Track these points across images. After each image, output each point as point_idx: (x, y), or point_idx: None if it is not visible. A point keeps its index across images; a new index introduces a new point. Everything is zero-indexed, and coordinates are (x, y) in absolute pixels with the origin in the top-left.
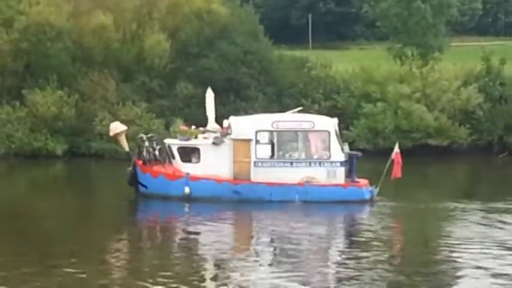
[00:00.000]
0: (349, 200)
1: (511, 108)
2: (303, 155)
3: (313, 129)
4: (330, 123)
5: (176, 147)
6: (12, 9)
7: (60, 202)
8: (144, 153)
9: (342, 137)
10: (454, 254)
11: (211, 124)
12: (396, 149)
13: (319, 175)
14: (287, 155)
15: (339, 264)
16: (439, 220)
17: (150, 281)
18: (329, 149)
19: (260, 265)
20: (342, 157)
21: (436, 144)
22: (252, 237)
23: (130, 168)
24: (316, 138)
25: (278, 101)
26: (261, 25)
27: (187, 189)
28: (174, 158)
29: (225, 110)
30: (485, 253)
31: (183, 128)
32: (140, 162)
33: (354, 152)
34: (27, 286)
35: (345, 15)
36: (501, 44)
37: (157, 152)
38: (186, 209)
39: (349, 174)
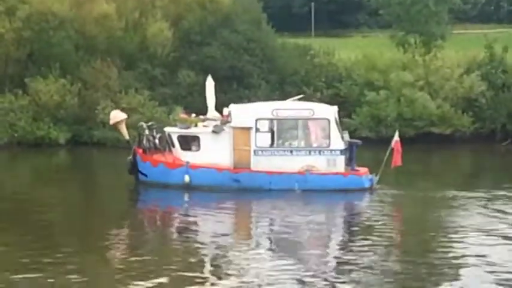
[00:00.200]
0: (349, 189)
1: None
2: (302, 143)
3: (313, 117)
4: (330, 111)
5: (176, 135)
6: None
7: (62, 191)
8: (144, 141)
9: (343, 125)
10: (454, 243)
11: (212, 112)
12: (396, 137)
13: (319, 163)
14: (287, 143)
15: (338, 252)
16: (439, 208)
17: (151, 268)
18: (329, 137)
19: (260, 253)
20: (341, 145)
21: (439, 132)
22: (251, 225)
23: (130, 156)
24: (316, 126)
25: (280, 88)
26: (264, 13)
27: (187, 178)
28: (174, 146)
29: (227, 98)
30: (486, 242)
31: (183, 116)
32: (140, 150)
33: (353, 140)
34: (30, 274)
35: (348, 3)
36: (504, 32)
37: (157, 141)
38: (186, 198)
39: (349, 162)
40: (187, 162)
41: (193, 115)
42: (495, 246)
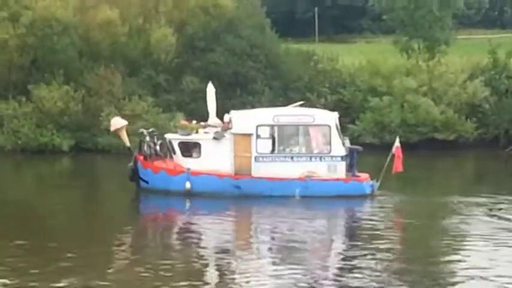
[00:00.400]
0: (349, 195)
1: None
2: (303, 150)
3: (314, 123)
4: (331, 117)
5: (177, 142)
6: (19, 4)
7: (65, 198)
8: (145, 148)
9: (346, 131)
10: (457, 250)
11: (213, 119)
12: (397, 143)
13: (319, 169)
14: (288, 150)
15: (339, 257)
16: (441, 214)
17: (152, 274)
18: (330, 143)
19: (261, 259)
20: (342, 151)
21: (442, 138)
22: (252, 232)
23: (131, 163)
24: (317, 133)
25: (284, 95)
26: (268, 18)
27: (188, 184)
28: (175, 153)
29: (231, 104)
30: (489, 250)
31: (184, 122)
32: (141, 157)
33: (354, 147)
34: (32, 279)
35: (351, 9)
36: (508, 37)
37: (158, 147)
38: (187, 204)
39: (350, 168)
40: (188, 169)
41: (194, 122)
42: (498, 254)
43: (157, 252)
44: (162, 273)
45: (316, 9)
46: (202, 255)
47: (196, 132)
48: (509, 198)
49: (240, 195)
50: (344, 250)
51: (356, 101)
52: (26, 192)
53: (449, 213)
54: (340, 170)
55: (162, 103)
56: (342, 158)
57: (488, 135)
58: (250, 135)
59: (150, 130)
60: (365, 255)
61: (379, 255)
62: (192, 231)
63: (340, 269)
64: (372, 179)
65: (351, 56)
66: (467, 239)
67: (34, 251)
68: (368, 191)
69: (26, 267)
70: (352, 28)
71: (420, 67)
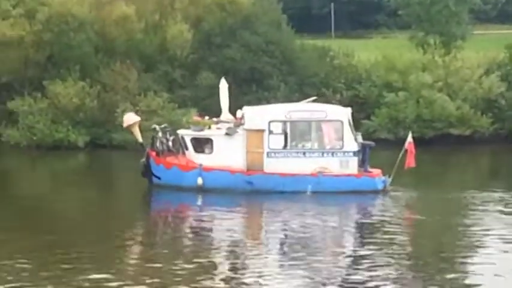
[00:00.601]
0: (361, 190)
1: None
2: (316, 145)
3: (326, 119)
4: (343, 113)
5: (189, 138)
6: (35, 1)
7: (79, 193)
8: (158, 144)
9: (360, 127)
10: (470, 248)
11: (225, 114)
12: (409, 139)
13: (332, 165)
14: (300, 145)
15: (351, 253)
16: (453, 210)
17: (164, 270)
18: (342, 139)
19: (272, 254)
20: (355, 147)
21: (458, 133)
22: (264, 227)
23: (144, 159)
24: (329, 128)
25: (300, 90)
26: (284, 14)
27: (200, 180)
28: (187, 148)
29: (246, 100)
30: (504, 248)
31: (197, 118)
32: (154, 153)
33: (367, 142)
34: (46, 275)
35: (367, 4)
36: None
37: (170, 143)
38: (199, 200)
39: (362, 164)
40: (201, 165)
41: (207, 117)
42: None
43: (168, 248)
44: (173, 267)
45: (332, 5)
46: (214, 251)
47: (209, 128)
48: None
49: (252, 191)
50: (355, 246)
51: (371, 97)
52: (40, 188)
53: (462, 208)
54: (352, 165)
55: (177, 99)
56: (354, 153)
57: (504, 131)
58: (262, 131)
59: (163, 126)
60: (377, 251)
61: (390, 252)
62: (204, 227)
63: (351, 265)
64: (384, 175)
65: (367, 52)
66: (481, 234)
67: (45, 247)
68: (380, 186)
69: (36, 262)
70: (368, 24)
71: (436, 62)
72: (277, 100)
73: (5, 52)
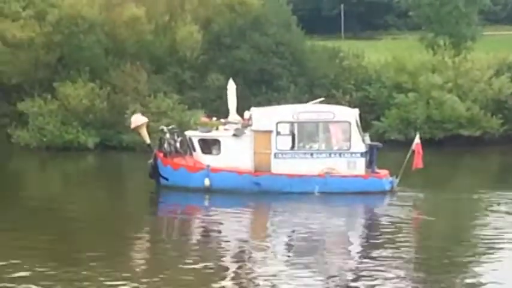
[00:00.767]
0: (369, 191)
1: None
2: (323, 146)
3: (334, 120)
4: (351, 114)
5: (197, 139)
6: (45, 2)
7: (88, 195)
8: (165, 145)
9: (370, 128)
10: (478, 252)
11: (233, 116)
12: (417, 140)
13: (339, 166)
14: (307, 146)
15: (358, 255)
16: (461, 211)
17: (171, 271)
18: (349, 140)
19: (279, 256)
20: (362, 148)
21: (468, 134)
22: (271, 228)
23: (151, 160)
24: (337, 129)
25: (309, 91)
26: (294, 15)
27: (207, 181)
28: (194, 150)
29: (256, 101)
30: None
31: (204, 119)
32: (161, 154)
33: (374, 143)
34: (56, 274)
35: (377, 5)
36: None
37: (178, 144)
38: (207, 201)
39: (369, 165)
40: (208, 166)
41: (214, 118)
42: None
43: (176, 249)
44: (180, 266)
45: (342, 6)
46: (221, 252)
47: (217, 129)
48: None
49: (259, 192)
50: (363, 247)
51: (381, 98)
52: (50, 189)
53: (471, 209)
54: (360, 166)
55: (187, 100)
56: (362, 154)
57: None
58: (270, 132)
59: (170, 127)
60: (384, 252)
61: (398, 253)
62: (211, 228)
63: (359, 266)
64: (392, 176)
65: (377, 53)
66: (490, 236)
67: (55, 247)
68: (387, 187)
69: (45, 263)
70: (378, 25)
71: (446, 63)
72: (287, 101)
73: (15, 54)
